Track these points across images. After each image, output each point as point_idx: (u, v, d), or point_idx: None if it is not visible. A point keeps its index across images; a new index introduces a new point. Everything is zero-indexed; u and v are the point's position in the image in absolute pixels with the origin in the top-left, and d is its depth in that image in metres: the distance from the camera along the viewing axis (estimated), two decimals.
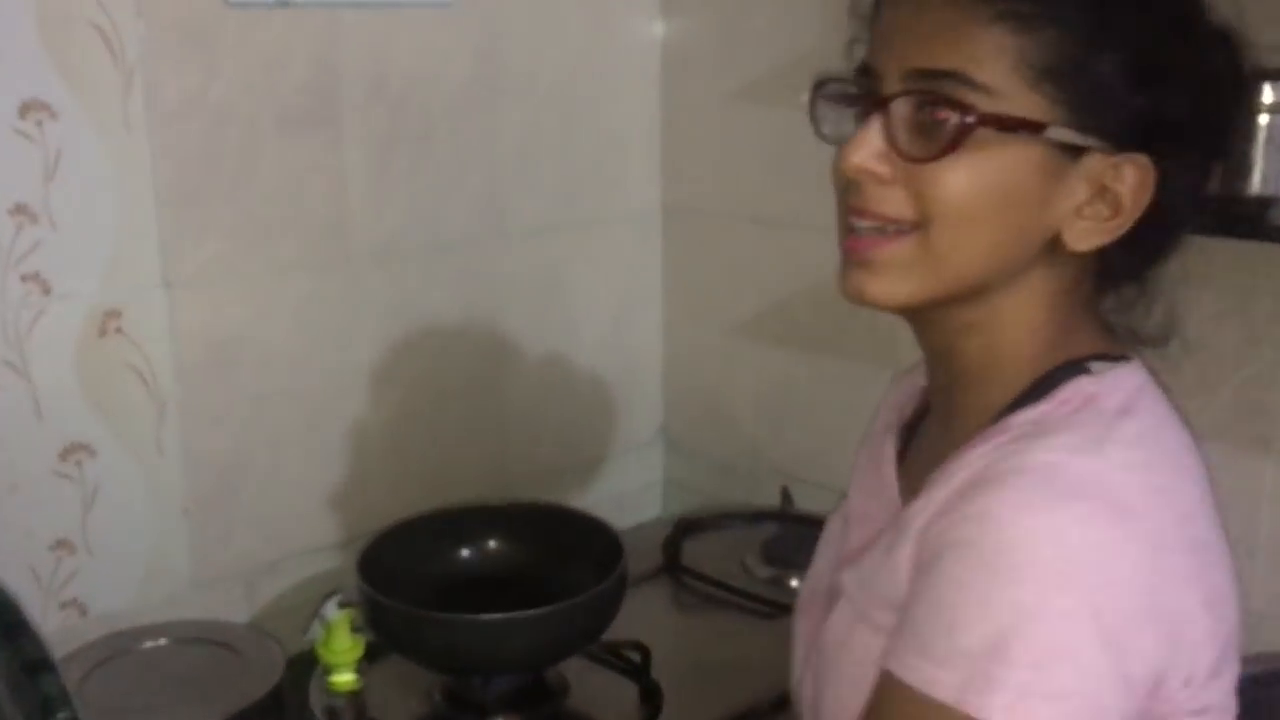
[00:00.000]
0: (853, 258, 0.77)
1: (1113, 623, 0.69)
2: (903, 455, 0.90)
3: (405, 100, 1.51)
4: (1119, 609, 0.69)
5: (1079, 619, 0.68)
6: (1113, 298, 0.81)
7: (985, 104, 0.71)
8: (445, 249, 1.58)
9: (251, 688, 1.06)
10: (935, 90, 0.72)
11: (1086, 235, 0.75)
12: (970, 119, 0.71)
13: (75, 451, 1.32)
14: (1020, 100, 0.71)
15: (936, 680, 0.70)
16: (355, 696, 1.03)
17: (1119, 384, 0.77)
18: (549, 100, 1.66)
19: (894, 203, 0.74)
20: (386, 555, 1.25)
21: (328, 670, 1.07)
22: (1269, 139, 1.07)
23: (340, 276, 1.49)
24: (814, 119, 0.80)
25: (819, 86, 0.80)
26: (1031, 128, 0.72)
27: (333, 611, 1.04)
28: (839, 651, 0.83)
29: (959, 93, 0.71)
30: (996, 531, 0.70)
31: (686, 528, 1.59)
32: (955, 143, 0.71)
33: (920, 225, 0.74)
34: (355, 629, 1.06)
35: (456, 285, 1.61)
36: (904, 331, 0.85)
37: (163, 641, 1.13)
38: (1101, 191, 0.74)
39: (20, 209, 1.25)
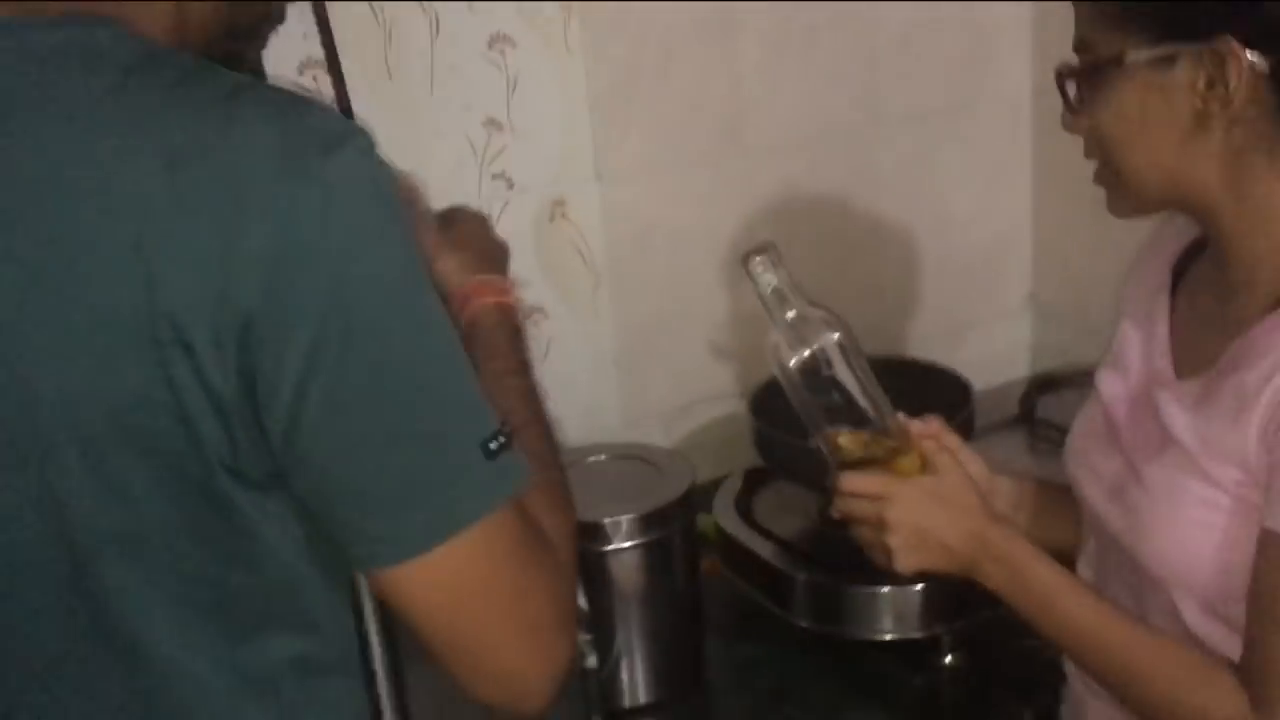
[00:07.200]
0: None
1: None
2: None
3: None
4: None
5: None
6: None
7: (1084, 60, 0.91)
8: (828, 139, 1.80)
9: (668, 492, 1.37)
10: (1070, 65, 0.92)
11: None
12: (1071, 77, 0.92)
13: (531, 313, 1.68)
14: (1105, 44, 0.90)
15: None
16: None
17: None
18: None
19: (1090, 149, 0.95)
20: (772, 398, 1.51)
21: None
22: None
23: (737, 166, 1.75)
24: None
25: None
26: (1112, 62, 0.89)
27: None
28: (1169, 496, 0.96)
29: (1075, 60, 0.91)
30: None
31: (1044, 384, 1.75)
32: (1073, 99, 0.93)
33: (1105, 161, 0.95)
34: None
35: (838, 169, 1.82)
36: None
37: (602, 457, 1.46)
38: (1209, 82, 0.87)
39: (490, 121, 1.60)
